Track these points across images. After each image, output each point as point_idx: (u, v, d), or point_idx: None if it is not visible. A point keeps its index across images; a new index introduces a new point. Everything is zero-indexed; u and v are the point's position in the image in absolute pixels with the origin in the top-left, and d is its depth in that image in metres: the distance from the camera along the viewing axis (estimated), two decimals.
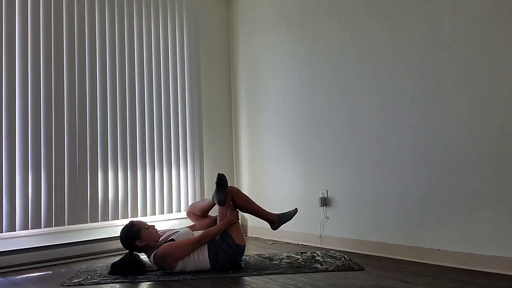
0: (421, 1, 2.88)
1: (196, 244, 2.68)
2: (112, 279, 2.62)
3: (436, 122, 2.80)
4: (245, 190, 4.06)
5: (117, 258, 2.87)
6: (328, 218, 3.42)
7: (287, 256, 3.08)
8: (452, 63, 2.72)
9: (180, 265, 2.66)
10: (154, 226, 2.80)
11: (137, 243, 2.68)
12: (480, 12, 2.60)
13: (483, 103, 2.58)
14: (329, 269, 2.69)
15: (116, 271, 2.72)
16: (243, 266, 2.80)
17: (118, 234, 2.80)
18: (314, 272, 2.64)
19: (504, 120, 2.50)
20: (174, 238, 2.71)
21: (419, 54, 2.88)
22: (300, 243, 3.54)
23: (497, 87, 2.53)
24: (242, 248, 2.78)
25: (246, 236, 3.80)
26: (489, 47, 2.56)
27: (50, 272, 2.93)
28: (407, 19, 2.95)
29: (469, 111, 2.64)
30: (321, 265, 2.78)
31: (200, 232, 2.77)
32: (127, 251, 2.77)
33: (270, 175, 3.94)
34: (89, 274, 2.76)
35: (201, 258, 2.68)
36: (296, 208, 2.93)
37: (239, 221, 2.89)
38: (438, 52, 2.78)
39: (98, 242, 3.41)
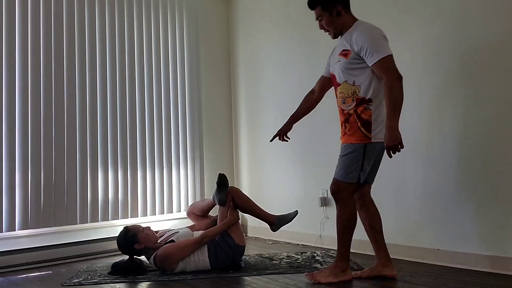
0: (421, 0, 2.88)
1: (196, 244, 2.68)
2: (112, 279, 2.63)
3: (435, 122, 2.80)
4: (245, 190, 4.05)
5: (117, 258, 2.87)
6: (328, 218, 3.42)
7: (287, 256, 3.09)
8: (452, 63, 2.73)
9: (180, 266, 2.66)
10: (149, 227, 2.80)
11: (136, 246, 2.68)
12: (480, 11, 2.60)
13: (483, 103, 2.58)
14: None
15: (117, 271, 2.72)
16: (243, 266, 2.81)
17: (118, 234, 2.80)
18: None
19: (504, 120, 2.50)
20: (174, 239, 2.71)
21: (419, 54, 2.88)
22: (300, 243, 3.54)
23: (497, 87, 2.53)
24: (242, 248, 2.79)
25: (246, 236, 3.80)
26: (489, 47, 2.56)
27: (50, 272, 2.93)
28: (407, 19, 2.95)
29: (468, 111, 2.64)
30: (321, 265, 2.78)
31: (200, 232, 2.78)
32: (127, 256, 2.77)
33: (270, 175, 3.94)
34: (89, 274, 2.76)
35: (201, 258, 2.69)
36: (296, 211, 2.93)
37: (239, 221, 2.90)
38: (438, 52, 2.79)
39: (98, 242, 3.40)
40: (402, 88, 2.19)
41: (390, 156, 2.19)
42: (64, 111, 3.31)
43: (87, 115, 3.42)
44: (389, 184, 3.02)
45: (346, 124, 2.33)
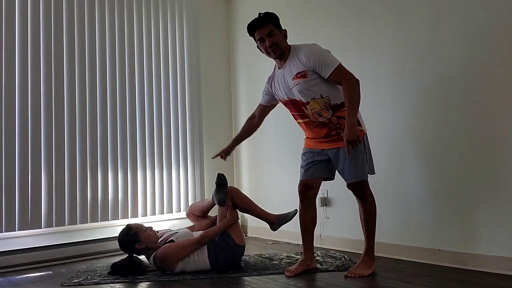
0: (422, 0, 2.88)
1: (196, 245, 2.67)
2: (112, 279, 2.62)
3: (437, 122, 2.79)
4: (245, 190, 4.05)
5: (117, 258, 2.87)
6: (328, 218, 3.42)
7: (287, 256, 3.08)
8: (452, 62, 2.72)
9: (180, 266, 2.66)
10: (151, 227, 2.80)
11: (137, 246, 2.67)
12: (481, 10, 2.60)
13: (484, 103, 2.58)
14: (329, 269, 2.69)
15: (116, 271, 2.71)
16: (243, 266, 2.80)
17: (117, 236, 2.80)
18: (314, 272, 2.64)
19: (505, 120, 2.49)
20: (174, 239, 2.71)
21: (420, 54, 2.88)
22: (300, 243, 3.52)
23: (498, 87, 2.52)
24: (241, 248, 2.78)
25: (246, 236, 3.80)
26: (489, 47, 2.56)
27: (50, 272, 2.93)
28: (407, 19, 2.95)
29: (470, 111, 2.64)
30: (321, 265, 2.78)
31: (200, 232, 2.77)
32: (127, 254, 2.76)
33: (270, 175, 3.93)
34: (89, 274, 2.76)
35: (201, 258, 2.68)
36: (296, 209, 2.92)
37: (239, 221, 2.89)
38: (439, 52, 2.78)
39: (98, 242, 3.40)
40: (360, 90, 2.39)
41: (349, 152, 2.34)
42: (64, 110, 3.31)
43: (87, 115, 3.42)
44: (391, 184, 3.01)
45: (339, 130, 2.48)
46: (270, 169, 3.94)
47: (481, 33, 2.59)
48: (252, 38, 2.62)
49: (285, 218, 2.89)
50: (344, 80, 2.40)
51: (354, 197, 3.16)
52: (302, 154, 2.70)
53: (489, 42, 2.56)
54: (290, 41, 2.70)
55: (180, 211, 3.84)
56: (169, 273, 2.66)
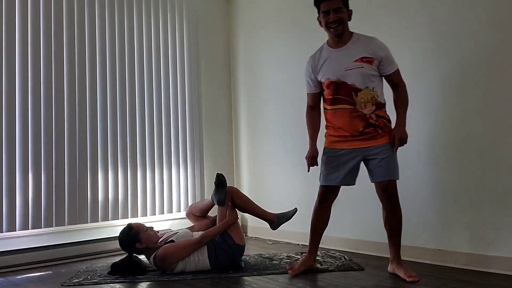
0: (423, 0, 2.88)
1: (196, 245, 2.67)
2: (112, 279, 2.62)
3: (438, 122, 2.79)
4: (245, 190, 4.05)
5: (117, 258, 2.87)
6: None
7: (287, 256, 3.08)
8: (454, 62, 2.72)
9: (180, 266, 2.66)
10: (152, 227, 2.79)
11: (137, 245, 2.67)
12: (482, 11, 2.59)
13: (486, 103, 2.57)
14: (329, 269, 2.68)
15: (116, 271, 2.71)
16: (243, 266, 2.80)
17: (118, 235, 2.80)
18: (314, 272, 2.63)
19: (506, 120, 2.49)
20: (174, 239, 2.71)
21: (420, 53, 2.87)
22: (300, 243, 3.53)
23: (499, 86, 2.52)
24: (241, 248, 2.78)
25: (246, 236, 3.79)
26: (491, 47, 2.55)
27: (50, 272, 2.93)
28: (407, 18, 2.95)
29: (471, 111, 2.63)
30: (321, 265, 2.78)
31: (200, 233, 2.77)
32: (127, 253, 2.76)
33: (270, 175, 3.93)
34: (89, 274, 2.76)
35: (201, 258, 2.68)
36: (296, 208, 2.92)
37: (239, 221, 2.89)
38: (440, 52, 2.78)
39: (98, 242, 3.40)
40: None
41: (396, 149, 2.45)
42: (64, 111, 3.31)
43: (87, 115, 3.42)
44: None
45: (376, 128, 2.45)
46: (270, 169, 3.93)
47: (496, 29, 2.59)
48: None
49: (285, 217, 2.89)
50: (401, 82, 2.49)
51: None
52: (327, 156, 2.58)
53: (492, 43, 2.55)
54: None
55: (180, 211, 3.84)
56: (169, 273, 2.66)
